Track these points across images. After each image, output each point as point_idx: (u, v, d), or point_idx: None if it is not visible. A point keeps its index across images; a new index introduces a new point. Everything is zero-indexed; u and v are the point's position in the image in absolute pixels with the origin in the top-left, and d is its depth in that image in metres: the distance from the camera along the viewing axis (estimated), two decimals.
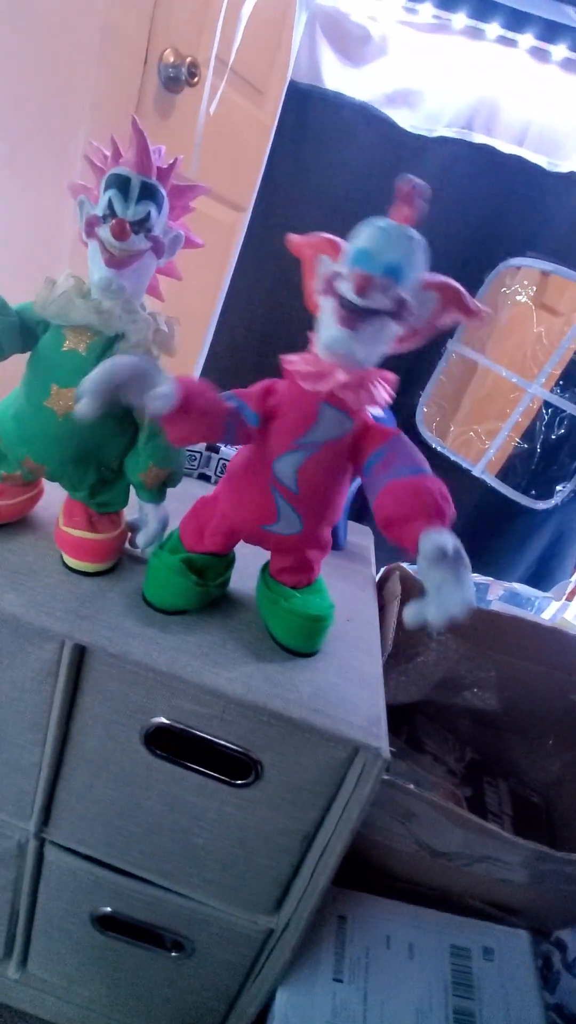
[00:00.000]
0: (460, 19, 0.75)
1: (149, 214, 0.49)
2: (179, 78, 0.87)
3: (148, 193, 0.48)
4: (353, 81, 0.86)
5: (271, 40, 0.92)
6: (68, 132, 0.85)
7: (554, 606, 0.99)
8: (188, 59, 0.85)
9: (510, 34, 0.74)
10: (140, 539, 0.60)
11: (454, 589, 0.39)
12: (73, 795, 0.59)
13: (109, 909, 0.65)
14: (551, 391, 0.93)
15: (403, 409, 1.00)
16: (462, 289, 0.45)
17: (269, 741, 0.52)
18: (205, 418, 0.45)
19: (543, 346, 0.96)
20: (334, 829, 0.54)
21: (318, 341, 0.47)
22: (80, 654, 0.52)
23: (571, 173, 0.84)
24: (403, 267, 0.42)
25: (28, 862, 0.64)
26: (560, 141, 0.84)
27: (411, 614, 0.40)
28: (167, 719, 0.53)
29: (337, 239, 0.46)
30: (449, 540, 0.39)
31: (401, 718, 0.97)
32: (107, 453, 0.56)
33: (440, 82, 0.84)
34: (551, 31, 0.72)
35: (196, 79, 0.88)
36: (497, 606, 0.88)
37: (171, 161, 0.51)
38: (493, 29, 0.75)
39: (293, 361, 0.48)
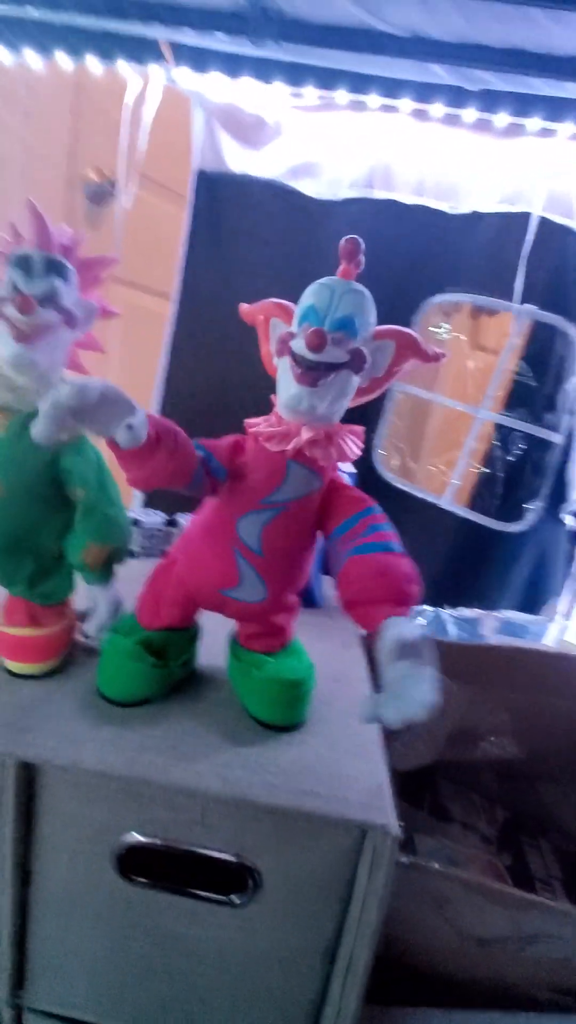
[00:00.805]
0: (342, 95, 0.81)
1: (55, 288, 0.48)
2: (102, 193, 0.92)
3: (52, 268, 0.48)
4: (256, 162, 0.92)
5: (177, 142, 0.98)
6: None
7: (553, 629, 0.94)
8: (108, 175, 0.90)
9: (389, 101, 0.81)
10: (90, 626, 0.54)
11: (414, 686, 0.37)
12: (47, 947, 0.49)
13: None
14: (501, 414, 0.93)
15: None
16: (417, 335, 0.46)
17: (262, 841, 0.45)
18: (174, 459, 0.42)
19: (481, 373, 0.97)
20: (355, 937, 0.45)
21: (279, 402, 0.46)
22: (28, 774, 0.45)
23: (472, 213, 0.89)
24: (353, 320, 0.43)
25: None
26: (455, 187, 0.90)
27: (366, 710, 0.37)
28: (140, 835, 0.45)
29: (286, 303, 0.48)
30: (412, 632, 0.37)
31: (420, 786, 0.88)
32: (42, 538, 0.52)
33: (336, 152, 0.90)
34: (426, 92, 0.78)
35: (124, 196, 0.94)
36: (494, 640, 0.82)
37: (75, 238, 0.51)
38: (373, 100, 0.81)
39: (256, 424, 0.48)
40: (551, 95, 0.74)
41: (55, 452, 0.50)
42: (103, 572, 0.53)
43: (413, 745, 0.78)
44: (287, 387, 0.45)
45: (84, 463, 0.50)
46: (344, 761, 0.47)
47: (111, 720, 0.47)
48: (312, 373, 0.43)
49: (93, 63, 0.83)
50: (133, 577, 0.54)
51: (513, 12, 0.62)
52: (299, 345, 0.43)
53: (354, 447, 0.48)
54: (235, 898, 0.46)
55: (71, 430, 0.41)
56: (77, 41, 0.81)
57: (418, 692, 0.36)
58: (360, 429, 0.50)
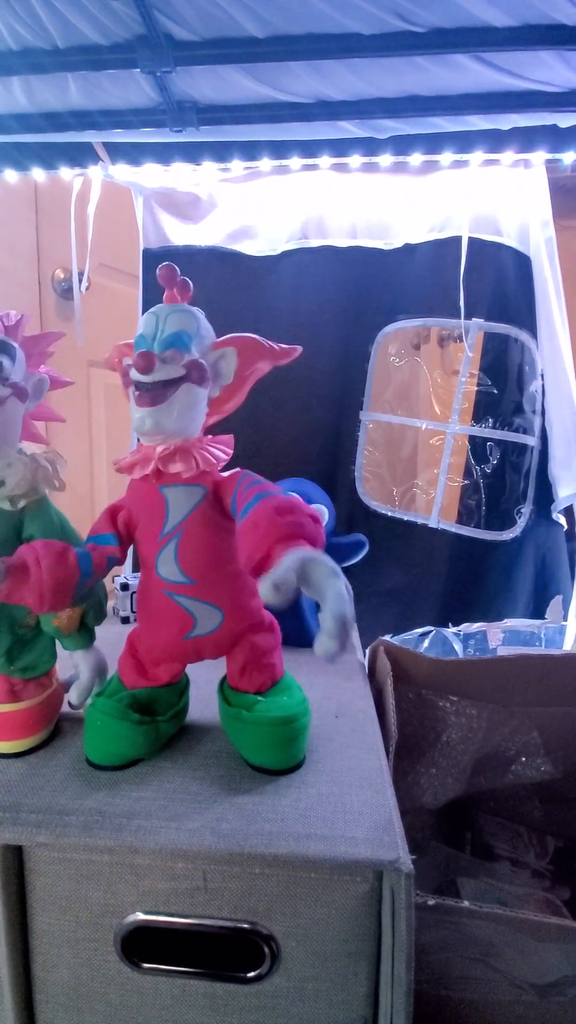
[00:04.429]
0: (266, 163, 0.87)
1: (1, 364, 0.50)
2: (70, 288, 0.99)
3: None
4: (197, 233, 0.98)
5: (129, 231, 1.06)
6: None
7: (572, 633, 0.90)
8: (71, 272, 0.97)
9: (310, 160, 0.87)
10: (73, 695, 0.53)
11: (330, 588, 0.34)
12: None
13: None
14: (471, 425, 0.94)
15: (342, 486, 1.00)
16: (258, 337, 0.47)
17: (272, 901, 0.41)
18: (54, 572, 0.42)
19: (445, 389, 0.99)
20: (391, 999, 0.41)
21: (132, 429, 0.47)
22: (15, 858, 0.42)
23: (405, 245, 0.94)
24: (182, 336, 0.45)
25: None
26: (386, 226, 0.95)
27: (319, 648, 0.34)
28: (144, 913, 0.42)
29: (132, 341, 0.49)
30: (280, 568, 0.34)
31: (458, 824, 0.82)
32: (16, 610, 0.51)
33: (269, 213, 0.96)
34: (341, 147, 0.84)
35: (88, 286, 1.01)
36: (503, 651, 0.79)
37: (18, 319, 0.54)
38: (295, 162, 0.87)
39: (120, 459, 0.49)
40: (455, 130, 0.79)
41: (20, 520, 0.51)
42: (80, 636, 0.52)
43: (438, 778, 0.73)
44: (133, 412, 0.46)
45: (47, 527, 0.51)
46: (348, 796, 0.44)
47: (99, 787, 0.45)
48: (148, 394, 0.44)
49: (38, 173, 0.91)
50: (122, 641, 0.53)
51: (399, 63, 0.67)
52: (133, 371, 0.45)
53: (220, 454, 0.48)
54: (252, 973, 0.41)
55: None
56: (21, 156, 0.89)
57: (334, 590, 0.34)
58: (228, 438, 0.50)
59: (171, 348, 0.45)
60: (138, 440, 0.49)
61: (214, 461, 0.47)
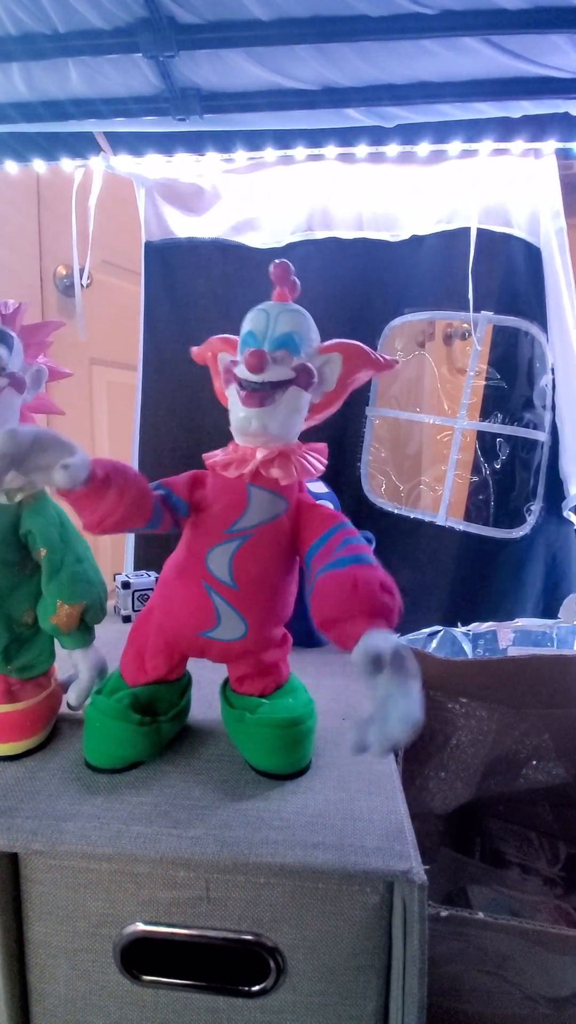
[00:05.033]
0: (270, 153, 0.86)
1: None
2: (72, 285, 0.97)
3: None
4: (200, 226, 0.96)
5: (132, 227, 1.04)
6: None
7: None
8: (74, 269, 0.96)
9: (315, 150, 0.85)
10: (71, 696, 0.51)
11: (397, 704, 0.33)
12: None
13: None
14: (479, 421, 0.92)
15: (347, 483, 0.98)
16: (363, 345, 0.46)
17: (278, 912, 0.39)
18: (125, 496, 0.41)
19: (452, 384, 0.97)
20: (402, 1014, 0.39)
21: (232, 428, 0.46)
22: (11, 866, 0.40)
23: (412, 237, 0.92)
24: (293, 337, 0.44)
25: None
26: (393, 218, 0.93)
27: (354, 739, 0.33)
28: (144, 923, 0.40)
29: (231, 336, 0.48)
30: (387, 643, 0.34)
31: (467, 830, 0.80)
32: (14, 608, 0.50)
33: (273, 204, 0.94)
34: (348, 136, 0.82)
35: (90, 282, 0.99)
36: (513, 652, 0.77)
37: (16, 307, 0.52)
38: (300, 152, 0.86)
39: (214, 455, 0.47)
40: (464, 118, 0.77)
41: (17, 516, 0.49)
42: (79, 634, 0.51)
43: (448, 782, 0.71)
44: (236, 412, 0.45)
45: (45, 522, 0.49)
46: (357, 803, 0.42)
47: (98, 791, 0.43)
48: (257, 394, 0.43)
49: (39, 164, 0.90)
50: (123, 641, 0.51)
51: (408, 47, 0.65)
52: (241, 369, 0.44)
53: (316, 463, 0.47)
54: (257, 987, 0.40)
55: (16, 480, 0.40)
56: (22, 146, 0.87)
57: (401, 709, 0.32)
58: (322, 446, 0.49)
59: (282, 349, 0.43)
60: (229, 439, 0.47)
61: (312, 471, 0.46)
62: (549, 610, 0.91)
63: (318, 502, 0.49)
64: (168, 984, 0.41)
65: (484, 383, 0.91)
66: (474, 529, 0.92)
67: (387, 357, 0.47)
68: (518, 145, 0.84)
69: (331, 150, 0.85)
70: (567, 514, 0.91)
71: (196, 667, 0.51)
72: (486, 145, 0.83)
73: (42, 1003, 0.43)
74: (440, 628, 0.80)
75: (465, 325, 0.93)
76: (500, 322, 0.91)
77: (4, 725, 0.47)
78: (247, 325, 0.45)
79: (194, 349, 0.51)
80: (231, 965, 0.40)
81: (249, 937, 0.40)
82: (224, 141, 0.85)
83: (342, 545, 0.42)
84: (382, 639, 0.34)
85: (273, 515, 0.45)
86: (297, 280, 0.47)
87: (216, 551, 0.45)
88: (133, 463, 1.02)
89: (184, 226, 0.97)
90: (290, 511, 0.46)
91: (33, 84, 0.73)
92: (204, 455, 0.48)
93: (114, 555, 1.22)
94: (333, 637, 0.39)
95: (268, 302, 0.46)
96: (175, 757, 0.48)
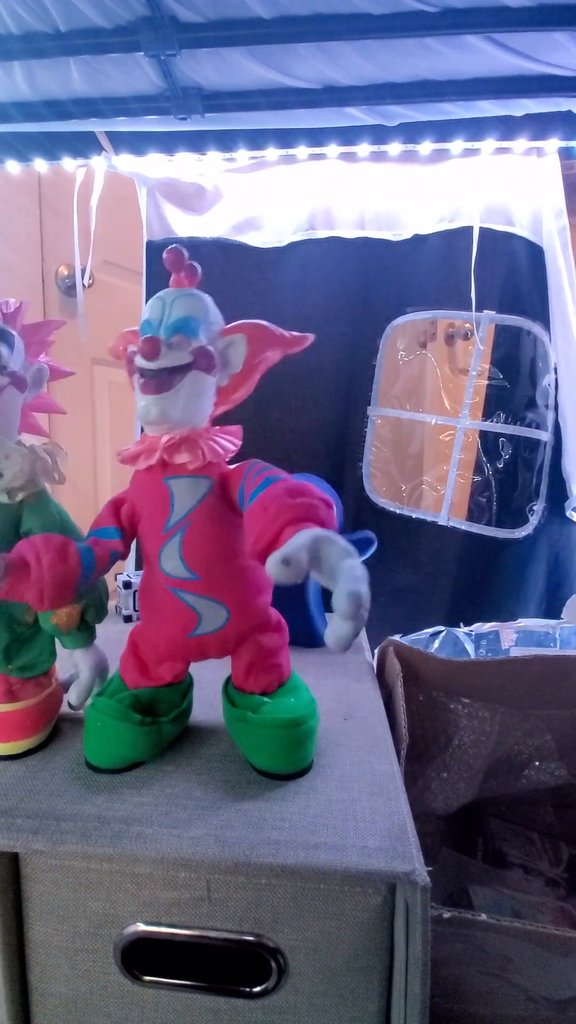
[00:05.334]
0: (272, 152, 0.86)
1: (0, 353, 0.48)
2: (74, 285, 0.97)
3: None
4: (201, 225, 0.97)
5: (135, 228, 1.04)
6: None
7: None
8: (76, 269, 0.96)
9: (317, 149, 0.85)
10: (72, 695, 0.51)
11: (343, 567, 0.32)
12: None
13: None
14: (482, 420, 0.92)
15: (349, 482, 0.97)
16: (268, 324, 0.45)
17: (280, 913, 0.39)
18: (55, 569, 0.41)
19: (454, 384, 0.97)
20: (405, 1016, 0.39)
21: (136, 419, 0.46)
22: (11, 866, 0.40)
23: (414, 236, 0.92)
24: (189, 321, 0.43)
25: None
26: (394, 217, 0.93)
27: (332, 635, 0.32)
28: (145, 924, 0.40)
29: (137, 328, 0.47)
30: (297, 540, 0.33)
31: (469, 830, 0.79)
32: (14, 606, 0.49)
33: (275, 204, 0.94)
34: (349, 135, 0.82)
35: (92, 282, 0.99)
36: (516, 652, 0.77)
37: (17, 306, 0.52)
38: (301, 151, 0.86)
39: (124, 449, 0.47)
40: (466, 117, 0.77)
41: (18, 515, 0.49)
42: (80, 634, 0.50)
43: (450, 783, 0.71)
44: (137, 401, 0.44)
45: (46, 521, 0.49)
46: (359, 803, 0.42)
47: (98, 791, 0.43)
48: (153, 381, 0.42)
49: (40, 164, 0.90)
50: (124, 640, 0.51)
51: (410, 45, 0.65)
52: (138, 358, 0.43)
53: (228, 444, 0.46)
54: (258, 988, 0.40)
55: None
56: (23, 146, 0.87)
57: (348, 569, 0.32)
58: (236, 428, 0.48)
59: (178, 334, 0.43)
60: (142, 430, 0.47)
61: (222, 452, 0.45)
62: (552, 610, 0.91)
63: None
64: (169, 985, 0.41)
65: (486, 382, 0.90)
66: (476, 529, 0.92)
67: (294, 334, 0.46)
68: (521, 144, 0.84)
69: (333, 149, 0.85)
70: (570, 514, 0.90)
71: (198, 667, 0.51)
72: (488, 144, 0.83)
73: (43, 1003, 0.42)
74: (442, 628, 0.80)
75: (467, 324, 0.93)
76: (502, 321, 0.90)
77: (5, 724, 0.47)
78: (144, 314, 0.45)
79: (109, 345, 0.50)
80: (232, 966, 0.40)
81: (250, 938, 0.40)
82: (226, 140, 0.85)
83: (254, 479, 0.41)
84: (293, 542, 0.33)
85: (200, 497, 0.45)
86: (196, 265, 0.47)
87: (164, 552, 0.45)
88: None
89: (186, 225, 0.97)
90: (216, 487, 0.45)
91: (35, 83, 0.73)
92: (117, 451, 0.48)
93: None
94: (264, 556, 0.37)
95: (166, 289, 0.46)
96: (176, 757, 0.48)
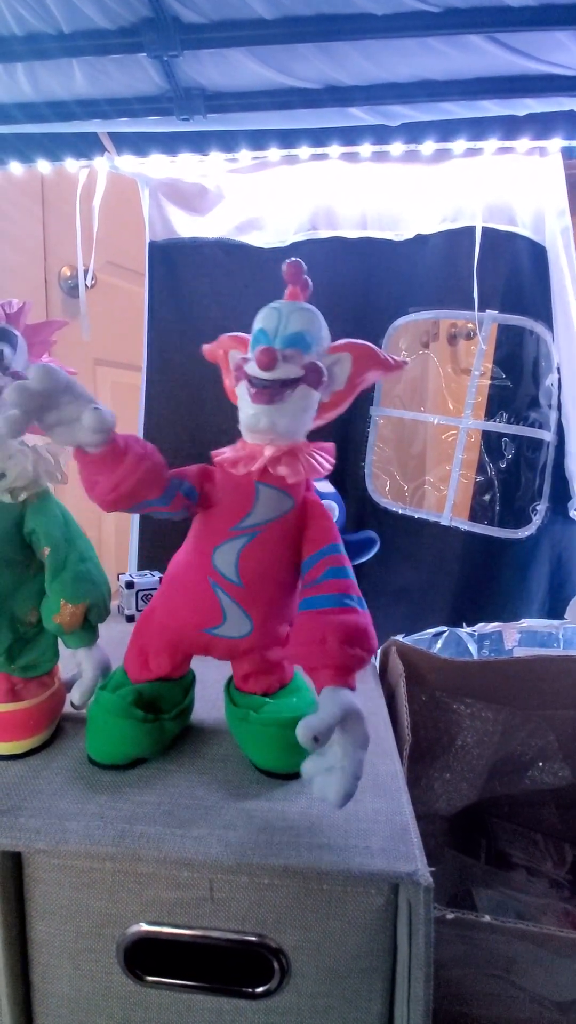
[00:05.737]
0: (274, 152, 0.86)
1: (2, 352, 0.49)
2: (76, 286, 0.97)
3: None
4: (204, 226, 0.97)
5: (137, 230, 1.04)
6: None
7: None
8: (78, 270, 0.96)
9: (319, 150, 0.85)
10: (75, 695, 0.51)
11: (334, 773, 0.37)
12: None
13: None
14: (484, 420, 0.91)
15: (351, 483, 0.97)
16: (373, 346, 0.46)
17: (282, 914, 0.39)
18: (144, 462, 0.42)
19: (457, 384, 0.97)
20: (408, 1018, 0.39)
21: (241, 426, 0.46)
22: (14, 864, 0.40)
23: (416, 236, 0.92)
24: (304, 336, 0.43)
25: None
26: (397, 217, 0.93)
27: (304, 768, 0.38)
28: (147, 924, 0.40)
29: (242, 335, 0.48)
30: (328, 718, 0.38)
31: (472, 831, 0.79)
32: (18, 606, 0.50)
33: (277, 204, 0.94)
34: (351, 135, 0.82)
35: (94, 283, 0.99)
36: (519, 652, 0.76)
37: (20, 306, 0.52)
38: (304, 151, 0.86)
39: (222, 452, 0.47)
40: (468, 116, 0.77)
41: (21, 515, 0.49)
42: (83, 633, 0.51)
43: (452, 783, 0.71)
44: (245, 409, 0.45)
45: (49, 521, 0.49)
46: (362, 803, 0.42)
47: (101, 790, 0.43)
48: (267, 391, 0.43)
49: (43, 165, 0.90)
50: (127, 640, 0.51)
51: (412, 45, 0.65)
52: (252, 367, 0.43)
53: (324, 463, 0.47)
54: (261, 988, 0.39)
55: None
56: (26, 147, 0.87)
57: (336, 782, 0.37)
58: (330, 446, 0.49)
59: (292, 347, 0.43)
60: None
61: (319, 470, 0.46)
62: (555, 610, 0.91)
63: (323, 501, 0.49)
64: (171, 985, 0.41)
65: (489, 382, 0.90)
66: (479, 529, 0.92)
67: (396, 358, 0.47)
68: (523, 143, 0.84)
69: (335, 149, 0.85)
70: (573, 514, 0.90)
71: (200, 666, 0.51)
72: (491, 143, 0.83)
73: (45, 1003, 0.42)
74: (445, 628, 0.80)
75: (470, 324, 0.93)
76: (505, 321, 0.90)
77: (8, 724, 0.47)
78: (259, 323, 0.45)
79: (205, 347, 0.51)
80: (235, 966, 0.40)
81: (253, 938, 0.39)
82: (228, 141, 0.85)
83: (324, 576, 0.43)
84: (327, 711, 0.37)
85: (280, 513, 0.45)
86: (309, 279, 0.47)
87: (223, 548, 0.45)
88: None
89: (188, 226, 0.97)
90: (296, 509, 0.46)
91: (37, 84, 0.73)
92: (213, 452, 0.48)
93: (118, 555, 1.22)
94: (304, 670, 0.42)
95: (280, 301, 0.46)
96: (179, 757, 0.48)
